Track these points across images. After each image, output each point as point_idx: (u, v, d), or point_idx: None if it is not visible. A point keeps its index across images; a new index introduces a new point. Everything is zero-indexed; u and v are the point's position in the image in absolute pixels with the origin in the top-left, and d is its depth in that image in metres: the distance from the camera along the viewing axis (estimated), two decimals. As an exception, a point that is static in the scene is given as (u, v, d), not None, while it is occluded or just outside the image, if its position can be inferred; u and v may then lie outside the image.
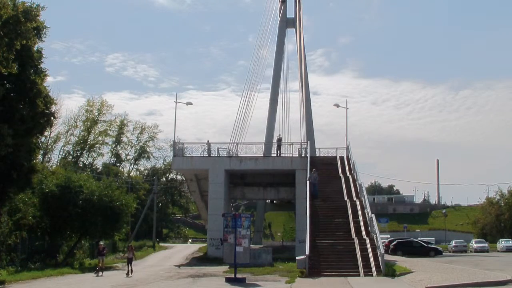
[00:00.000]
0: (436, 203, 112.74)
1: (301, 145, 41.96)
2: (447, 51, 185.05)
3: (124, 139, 74.55)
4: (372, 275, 22.34)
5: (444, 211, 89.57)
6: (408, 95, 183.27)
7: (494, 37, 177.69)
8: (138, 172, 78.57)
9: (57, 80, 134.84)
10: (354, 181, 34.31)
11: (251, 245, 23.61)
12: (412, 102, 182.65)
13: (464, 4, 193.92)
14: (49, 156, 61.67)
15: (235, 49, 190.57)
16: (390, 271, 22.63)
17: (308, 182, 32.55)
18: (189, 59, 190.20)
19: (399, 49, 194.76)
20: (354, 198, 31.67)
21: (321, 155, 44.24)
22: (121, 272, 28.50)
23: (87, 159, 69.39)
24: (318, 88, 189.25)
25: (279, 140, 45.36)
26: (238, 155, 41.69)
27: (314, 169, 33.63)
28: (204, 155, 41.38)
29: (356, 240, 26.05)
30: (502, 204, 73.02)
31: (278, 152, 44.01)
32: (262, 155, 42.46)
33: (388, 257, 30.30)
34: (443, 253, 48.35)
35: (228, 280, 21.40)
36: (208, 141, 42.33)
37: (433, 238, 67.78)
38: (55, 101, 24.82)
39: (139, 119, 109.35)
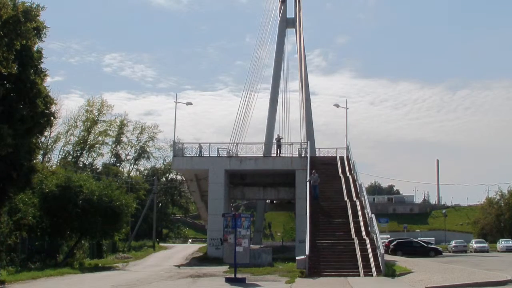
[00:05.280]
0: (436, 203, 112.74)
1: (301, 145, 41.98)
2: (444, 51, 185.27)
3: (124, 139, 74.60)
4: (372, 275, 22.33)
5: (444, 211, 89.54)
6: (406, 95, 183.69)
7: (491, 37, 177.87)
8: (138, 172, 78.56)
9: (55, 80, 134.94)
10: (354, 181, 34.30)
11: (251, 245, 23.58)
12: (410, 102, 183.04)
13: (462, 4, 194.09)
14: (49, 156, 61.69)
15: (233, 49, 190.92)
16: (390, 271, 22.62)
17: (308, 183, 32.53)
18: (186, 59, 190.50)
19: (396, 49, 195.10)
20: (354, 198, 31.66)
21: (321, 155, 44.24)
22: (122, 272, 28.47)
23: (87, 159, 69.44)
24: (316, 88, 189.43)
25: (279, 139, 45.32)
26: (238, 155, 41.70)
27: (314, 171, 33.60)
28: (196, 155, 41.33)
29: (356, 240, 26.04)
30: (502, 204, 73.05)
31: (278, 151, 43.99)
32: (262, 155, 42.46)
33: (388, 257, 30.30)
34: (443, 253, 48.38)
35: (228, 280, 21.38)
36: (199, 144, 42.26)
37: (433, 238, 67.75)
38: (55, 101, 24.80)
39: (138, 120, 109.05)
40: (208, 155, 41.60)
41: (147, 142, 76.17)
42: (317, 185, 32.46)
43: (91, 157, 69.63)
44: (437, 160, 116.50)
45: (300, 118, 48.50)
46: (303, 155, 40.09)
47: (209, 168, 40.73)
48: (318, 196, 31.97)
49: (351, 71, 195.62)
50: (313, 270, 22.92)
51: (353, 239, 26.33)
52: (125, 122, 72.68)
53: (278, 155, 43.52)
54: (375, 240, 25.14)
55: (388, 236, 57.55)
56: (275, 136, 47.51)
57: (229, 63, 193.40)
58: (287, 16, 54.65)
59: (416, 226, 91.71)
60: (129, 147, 75.85)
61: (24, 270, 25.61)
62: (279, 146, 44.27)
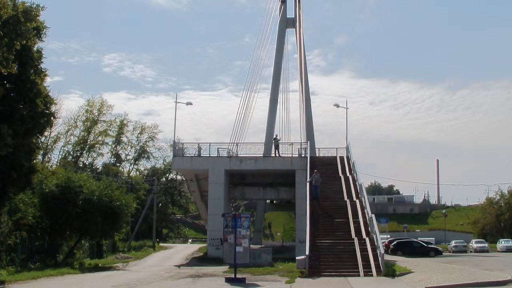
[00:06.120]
0: (436, 203, 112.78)
1: (301, 145, 41.99)
2: (444, 51, 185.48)
3: (124, 139, 74.68)
4: (372, 275, 22.32)
5: (444, 211, 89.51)
6: (405, 95, 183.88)
7: (491, 37, 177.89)
8: (138, 172, 78.62)
9: (54, 80, 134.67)
10: (354, 181, 34.29)
11: (251, 245, 23.58)
12: (410, 102, 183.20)
13: (461, 4, 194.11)
14: (49, 156, 61.70)
15: (232, 49, 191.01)
16: (390, 271, 22.60)
17: (307, 183, 32.51)
18: (186, 59, 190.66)
19: (395, 49, 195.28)
20: (354, 198, 31.65)
21: (321, 155, 44.25)
22: (122, 272, 28.48)
23: (87, 159, 69.48)
24: (315, 88, 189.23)
25: (276, 140, 45.25)
26: (238, 155, 41.71)
27: (316, 170, 33.59)
28: (195, 155, 41.33)
29: (356, 240, 26.03)
30: (502, 204, 72.98)
31: (276, 151, 43.97)
32: (262, 155, 42.49)
33: (388, 257, 30.28)
34: (443, 253, 48.36)
35: (228, 280, 21.38)
36: (198, 144, 42.31)
37: (433, 238, 67.83)
38: (55, 101, 24.83)
39: (138, 120, 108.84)
40: (208, 155, 41.63)
41: (147, 142, 76.33)
42: (318, 185, 32.44)
43: (91, 157, 69.76)
44: (437, 160, 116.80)
45: (300, 118, 48.59)
46: (303, 155, 40.10)
47: (209, 168, 40.74)
48: (318, 196, 31.95)
49: (351, 71, 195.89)
50: (313, 270, 22.91)
51: (353, 239, 26.32)
52: (125, 122, 72.81)
53: (277, 155, 43.47)
54: (375, 240, 25.12)
55: (388, 236, 57.52)
56: (274, 136, 47.55)
57: (228, 63, 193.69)
58: (287, 16, 54.69)
59: (416, 226, 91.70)
60: (129, 147, 76.01)
61: (24, 270, 25.60)
62: (276, 146, 44.27)
